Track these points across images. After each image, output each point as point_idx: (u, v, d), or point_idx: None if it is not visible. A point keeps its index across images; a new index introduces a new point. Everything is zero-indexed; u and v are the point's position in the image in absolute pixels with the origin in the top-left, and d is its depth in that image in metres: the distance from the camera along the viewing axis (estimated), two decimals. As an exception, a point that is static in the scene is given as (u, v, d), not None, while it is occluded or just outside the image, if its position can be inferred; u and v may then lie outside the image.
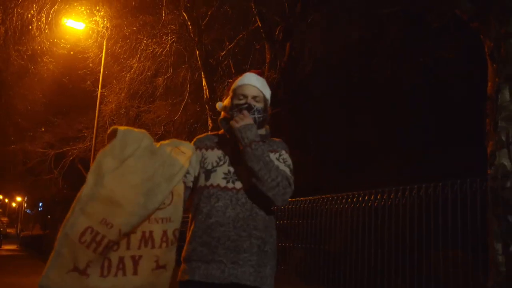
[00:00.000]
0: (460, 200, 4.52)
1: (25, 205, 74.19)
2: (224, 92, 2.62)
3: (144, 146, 2.26)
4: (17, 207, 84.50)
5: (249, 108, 2.42)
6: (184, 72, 14.67)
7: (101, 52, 14.28)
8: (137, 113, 15.99)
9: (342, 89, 13.17)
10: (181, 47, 13.97)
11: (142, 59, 13.84)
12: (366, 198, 5.48)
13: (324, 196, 6.18)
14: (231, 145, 2.41)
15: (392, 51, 10.86)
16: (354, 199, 5.66)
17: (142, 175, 2.18)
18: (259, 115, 2.43)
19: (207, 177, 2.38)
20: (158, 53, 13.68)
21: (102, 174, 2.15)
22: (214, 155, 2.43)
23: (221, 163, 2.40)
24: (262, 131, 2.50)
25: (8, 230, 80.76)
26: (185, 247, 2.35)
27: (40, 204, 57.48)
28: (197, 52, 13.07)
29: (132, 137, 2.25)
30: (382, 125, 12.66)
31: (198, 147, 2.49)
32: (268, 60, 12.33)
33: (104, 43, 14.13)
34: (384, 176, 9.59)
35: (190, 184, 2.43)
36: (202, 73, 13.24)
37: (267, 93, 2.52)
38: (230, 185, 2.33)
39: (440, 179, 4.72)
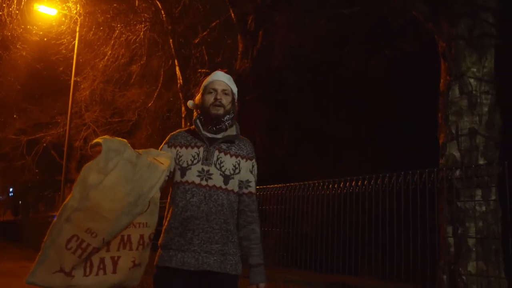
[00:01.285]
0: (413, 188, 4.88)
1: (-5, 191, 72.89)
2: (194, 89, 2.92)
3: (126, 158, 2.42)
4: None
5: (218, 121, 2.68)
6: (158, 60, 14.77)
7: (75, 39, 14.28)
8: (112, 97, 16.02)
9: (315, 80, 13.46)
10: (155, 35, 14.05)
11: (116, 46, 13.79)
12: (336, 186, 5.76)
13: (296, 183, 6.45)
14: (203, 144, 2.68)
15: (363, 44, 11.19)
16: (327, 186, 5.93)
17: (124, 189, 2.35)
18: (228, 116, 2.71)
19: (183, 174, 2.63)
20: (132, 40, 13.72)
21: (87, 187, 2.32)
22: (188, 153, 2.67)
23: (195, 161, 2.64)
24: (233, 131, 2.75)
25: (-22, 216, 79.35)
26: (162, 235, 2.63)
27: (11, 190, 56.51)
28: (171, 40, 13.20)
29: (115, 148, 2.41)
30: (356, 117, 12.99)
31: (172, 144, 2.73)
32: (240, 49, 12.54)
33: (77, 29, 14.08)
34: (358, 167, 9.91)
35: (166, 178, 2.66)
36: (175, 61, 13.39)
37: (234, 88, 2.78)
38: (203, 183, 2.59)
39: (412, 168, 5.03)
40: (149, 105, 15.37)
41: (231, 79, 2.80)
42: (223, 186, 2.61)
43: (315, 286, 6.66)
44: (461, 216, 4.84)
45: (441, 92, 5.17)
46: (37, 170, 24.21)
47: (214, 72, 2.81)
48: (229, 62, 12.67)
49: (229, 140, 2.71)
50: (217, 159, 2.65)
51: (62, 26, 14.13)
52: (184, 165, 2.65)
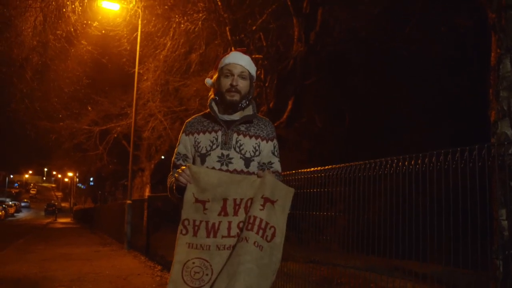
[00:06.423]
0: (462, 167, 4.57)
1: (77, 180, 77.18)
2: (212, 68, 2.86)
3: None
4: (69, 182, 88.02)
5: (236, 105, 2.63)
6: (217, 48, 14.91)
7: (135, 31, 14.69)
8: (175, 87, 16.37)
9: (374, 62, 13.17)
10: (213, 23, 14.18)
11: (175, 36, 14.10)
12: (400, 164, 5.30)
13: (362, 162, 5.96)
14: (221, 128, 2.62)
15: (420, 22, 10.80)
16: (393, 165, 5.47)
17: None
18: (244, 101, 2.64)
19: (203, 161, 2.60)
20: (191, 30, 13.92)
21: None
22: (206, 139, 2.62)
23: (214, 146, 2.60)
24: (249, 110, 2.67)
25: (62, 204, 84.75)
26: None
27: (91, 179, 59.84)
28: (227, 28, 13.29)
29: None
30: (415, 96, 12.63)
31: (190, 132, 2.69)
32: (296, 33, 12.44)
33: (139, 21, 14.49)
34: (422, 146, 9.56)
35: None
36: (232, 48, 13.47)
37: (252, 70, 2.69)
38: (224, 168, 2.55)
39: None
40: (210, 93, 15.55)
41: (249, 59, 2.69)
42: (244, 169, 2.58)
43: (374, 271, 6.52)
44: (515, 197, 4.57)
45: (491, 67, 4.87)
46: (114, 160, 25.28)
47: (232, 52, 2.71)
48: (284, 47, 12.60)
49: (247, 121, 2.66)
50: (236, 142, 2.60)
51: (119, 19, 14.52)
52: (203, 151, 2.61)
